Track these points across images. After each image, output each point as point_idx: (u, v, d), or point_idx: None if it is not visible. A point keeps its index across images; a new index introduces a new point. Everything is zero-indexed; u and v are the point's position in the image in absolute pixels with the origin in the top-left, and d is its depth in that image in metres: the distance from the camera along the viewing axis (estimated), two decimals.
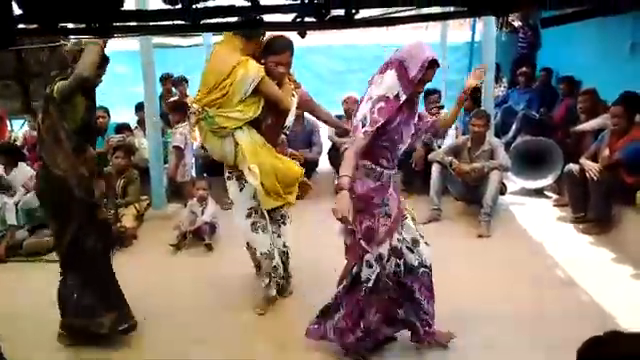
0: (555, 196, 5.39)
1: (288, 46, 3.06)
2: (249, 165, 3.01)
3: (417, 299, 2.72)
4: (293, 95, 3.22)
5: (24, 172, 4.98)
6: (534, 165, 5.46)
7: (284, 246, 3.40)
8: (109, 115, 5.75)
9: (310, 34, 1.57)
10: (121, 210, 4.76)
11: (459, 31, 9.10)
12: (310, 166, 5.77)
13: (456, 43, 9.22)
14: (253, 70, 2.91)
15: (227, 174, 3.24)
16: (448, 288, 3.47)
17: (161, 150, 5.23)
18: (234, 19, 1.55)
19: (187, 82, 6.91)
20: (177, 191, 5.41)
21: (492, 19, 5.29)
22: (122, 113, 6.70)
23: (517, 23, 8.03)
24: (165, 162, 5.42)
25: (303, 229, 3.98)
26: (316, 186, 5.83)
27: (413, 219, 2.75)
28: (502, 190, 4.91)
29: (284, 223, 3.39)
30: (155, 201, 5.19)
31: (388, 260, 2.59)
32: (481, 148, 4.76)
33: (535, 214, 4.98)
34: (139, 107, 6.09)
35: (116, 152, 4.94)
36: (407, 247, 2.67)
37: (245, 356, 2.88)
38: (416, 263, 2.67)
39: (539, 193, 5.49)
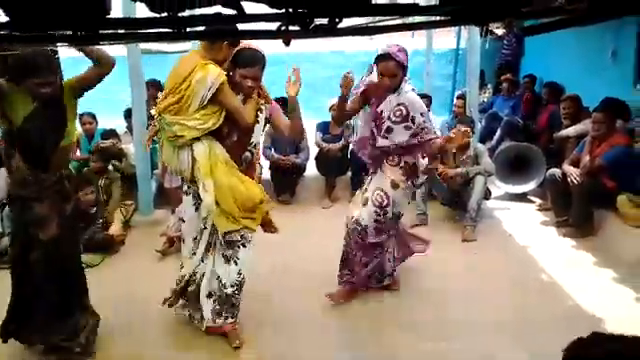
0: (538, 200, 5.47)
1: (259, 59, 2.79)
2: (204, 181, 2.73)
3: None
4: (260, 111, 2.93)
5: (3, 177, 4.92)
6: (518, 170, 5.55)
7: (238, 273, 2.92)
8: (96, 121, 5.74)
9: (296, 42, 1.60)
10: (107, 215, 4.74)
11: (445, 38, 9.22)
12: (297, 171, 5.81)
13: (442, 50, 9.35)
14: (212, 74, 2.62)
15: (185, 188, 2.99)
16: (434, 292, 3.53)
17: (148, 156, 5.21)
18: (219, 27, 1.56)
19: None
20: (165, 197, 5.39)
21: (476, 27, 5.38)
22: (110, 119, 6.65)
23: (501, 31, 8.16)
24: (154, 168, 5.39)
25: (290, 237, 3.98)
26: (303, 191, 5.89)
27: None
28: (486, 195, 4.97)
29: (243, 245, 2.91)
30: (142, 207, 5.17)
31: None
32: (466, 153, 4.83)
33: (519, 218, 5.06)
34: (128, 113, 6.07)
35: (93, 155, 4.96)
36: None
37: None
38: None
39: (523, 198, 5.57)
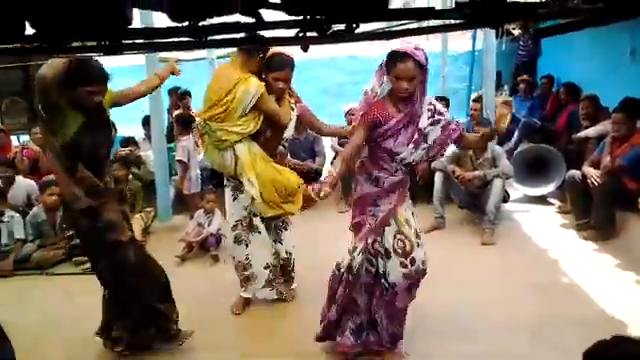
0: (558, 203, 5.40)
1: (288, 63, 3.18)
2: (248, 176, 3.15)
3: (373, 306, 2.76)
4: (292, 109, 3.33)
5: (23, 186, 5.04)
6: (536, 172, 5.49)
7: (286, 252, 3.51)
8: (115, 129, 5.81)
9: (313, 47, 1.62)
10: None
11: (460, 40, 9.20)
12: (314, 176, 5.82)
13: (457, 52, 9.32)
14: (254, 87, 3.04)
15: (225, 182, 3.39)
16: (453, 296, 3.51)
17: (167, 163, 5.29)
18: (239, 35, 1.59)
19: (190, 96, 7.00)
20: (183, 203, 5.46)
21: (492, 29, 5.36)
22: (129, 127, 6.75)
23: (517, 32, 8.11)
24: (172, 174, 5.46)
25: (306, 237, 4.00)
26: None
27: (402, 231, 2.67)
28: (505, 198, 4.93)
29: (285, 229, 3.49)
30: (161, 213, 5.24)
31: (359, 254, 2.68)
32: (484, 156, 4.79)
33: (538, 221, 5.00)
34: (146, 120, 6.17)
35: (114, 164, 5.01)
36: (379, 253, 2.69)
37: None
38: (381, 271, 2.71)
39: (542, 200, 5.51)
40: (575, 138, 5.44)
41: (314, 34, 1.40)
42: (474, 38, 8.84)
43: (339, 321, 2.83)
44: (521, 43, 8.18)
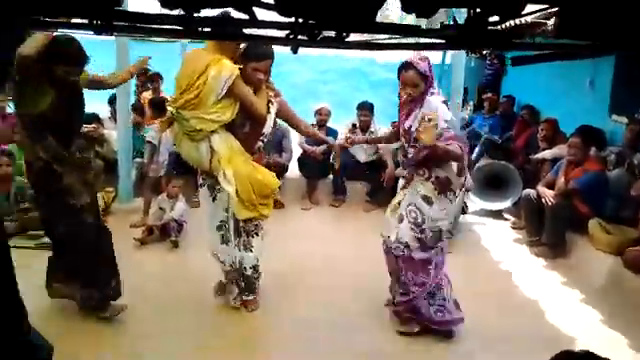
0: (513, 219, 5.63)
1: (269, 54, 3.01)
2: (224, 171, 2.94)
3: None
4: (271, 103, 3.16)
5: None
6: (495, 187, 5.70)
7: (252, 267, 3.25)
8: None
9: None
10: None
11: (431, 52, 9.38)
12: (280, 171, 5.85)
13: None
14: (227, 69, 2.82)
15: (201, 180, 3.19)
16: None
17: (130, 144, 5.20)
18: (230, 29, 1.62)
19: (162, 78, 6.89)
20: (149, 186, 5.37)
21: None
22: (93, 104, 6.57)
23: (485, 51, 8.38)
24: (136, 156, 5.38)
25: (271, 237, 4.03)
26: (285, 192, 5.94)
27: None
28: (463, 209, 5.10)
29: (256, 234, 3.22)
30: (122, 194, 5.16)
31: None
32: None
33: (493, 234, 5.21)
34: (112, 99, 6.04)
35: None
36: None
37: (197, 352, 2.94)
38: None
39: (498, 215, 5.73)
40: (532, 158, 5.69)
41: (304, 37, 1.46)
42: (444, 53, 9.05)
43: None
44: (488, 62, 8.45)
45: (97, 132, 5.22)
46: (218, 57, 2.84)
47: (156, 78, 6.87)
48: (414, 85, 2.93)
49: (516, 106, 7.61)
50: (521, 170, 5.68)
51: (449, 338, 3.15)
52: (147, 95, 6.68)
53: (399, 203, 3.16)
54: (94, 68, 3.23)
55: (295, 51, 1.53)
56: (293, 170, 5.99)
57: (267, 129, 3.19)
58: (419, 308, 3.11)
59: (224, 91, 2.84)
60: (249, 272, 3.26)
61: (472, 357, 3.04)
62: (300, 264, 4.10)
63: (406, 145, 3.10)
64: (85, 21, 1.38)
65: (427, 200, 3.01)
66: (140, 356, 2.89)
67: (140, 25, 1.53)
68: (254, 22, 1.49)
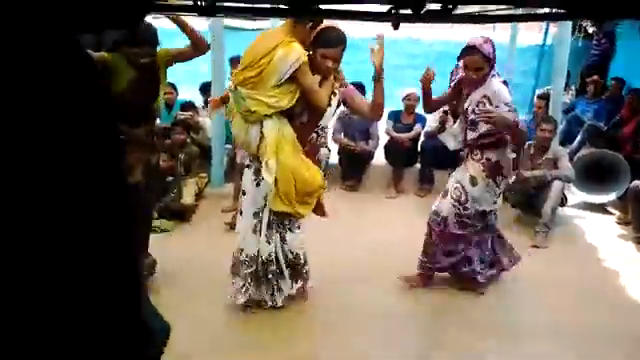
0: (618, 213, 5.17)
1: (341, 40, 2.77)
2: (268, 159, 2.74)
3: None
4: (334, 94, 2.92)
5: None
6: (598, 179, 5.26)
7: (291, 252, 3.06)
8: (177, 91, 5.94)
9: (371, 27, 1.58)
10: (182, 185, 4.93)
11: (529, 32, 8.82)
12: (366, 158, 5.79)
13: (525, 45, 8.94)
14: (295, 53, 2.60)
15: (247, 162, 3.04)
16: (493, 298, 3.43)
17: (223, 130, 5.36)
18: (328, 6, 1.57)
19: None
20: (237, 171, 5.53)
21: (568, 24, 5.11)
22: (186, 90, 6.88)
23: (592, 29, 7.72)
24: (227, 142, 5.54)
25: (352, 224, 4.00)
26: (370, 179, 5.87)
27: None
28: (562, 201, 4.76)
29: (291, 230, 3.01)
30: (214, 179, 5.35)
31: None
32: (545, 155, 4.63)
33: (595, 229, 4.81)
34: (204, 87, 6.25)
35: (176, 128, 5.11)
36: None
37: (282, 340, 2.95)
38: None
39: (601, 209, 5.29)
40: None
41: (408, 12, 1.37)
42: (546, 32, 8.46)
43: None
44: (595, 42, 7.78)
45: (193, 119, 5.45)
46: (289, 39, 2.64)
47: None
48: (478, 68, 2.97)
49: (625, 90, 6.95)
50: (629, 160, 5.18)
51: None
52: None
53: (451, 176, 3.35)
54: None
55: (396, 27, 1.45)
56: (379, 157, 5.89)
57: (325, 122, 2.98)
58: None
59: (287, 75, 2.64)
60: (290, 261, 3.08)
61: (563, 355, 2.84)
62: (379, 252, 4.02)
63: (465, 125, 3.18)
64: (190, 3, 1.40)
65: (473, 181, 3.16)
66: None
67: (243, 6, 1.53)
68: None
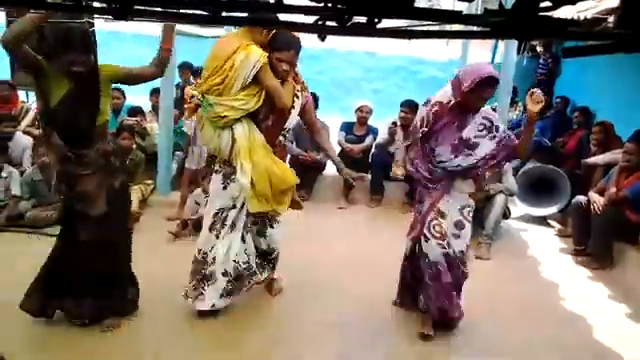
0: (558, 226, 5.35)
1: (294, 44, 2.88)
2: (242, 162, 2.86)
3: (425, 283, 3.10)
4: (297, 96, 3.05)
5: (21, 142, 5.00)
6: (541, 192, 5.43)
7: (269, 247, 3.25)
8: (124, 96, 5.77)
9: (331, 39, 1.57)
10: None
11: (480, 50, 9.09)
12: (317, 168, 5.79)
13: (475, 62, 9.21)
14: (254, 55, 2.72)
15: (216, 167, 3.09)
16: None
17: (171, 137, 5.24)
18: (258, 15, 1.54)
19: None
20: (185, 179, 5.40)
21: (514, 42, 5.27)
22: (137, 96, 6.69)
23: (539, 48, 8.01)
24: (177, 149, 5.42)
25: (301, 231, 3.97)
26: (321, 189, 5.86)
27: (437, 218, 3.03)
28: (506, 214, 4.88)
29: (271, 226, 3.21)
30: (160, 186, 5.21)
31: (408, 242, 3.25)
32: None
33: (536, 242, 4.96)
34: (154, 92, 6.11)
35: (122, 133, 4.95)
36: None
37: (230, 345, 2.88)
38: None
39: (542, 221, 5.46)
40: (583, 163, 5.38)
41: (333, 24, 1.35)
42: (494, 50, 8.73)
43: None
44: (541, 61, 8.07)
45: (139, 125, 5.30)
46: (247, 42, 2.76)
47: (200, 74, 6.90)
48: (487, 99, 2.90)
49: (571, 108, 7.24)
50: (571, 174, 5.37)
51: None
52: (191, 90, 6.72)
53: (440, 212, 3.00)
54: (139, 62, 2.96)
55: (323, 39, 1.43)
56: (330, 168, 5.88)
57: (290, 123, 3.09)
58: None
59: (251, 77, 2.75)
60: (265, 252, 3.25)
61: None
62: (326, 263, 4.01)
63: (454, 156, 2.92)
64: (103, 5, 1.33)
65: (467, 211, 3.09)
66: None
67: (162, 10, 1.47)
68: (281, 7, 1.40)
